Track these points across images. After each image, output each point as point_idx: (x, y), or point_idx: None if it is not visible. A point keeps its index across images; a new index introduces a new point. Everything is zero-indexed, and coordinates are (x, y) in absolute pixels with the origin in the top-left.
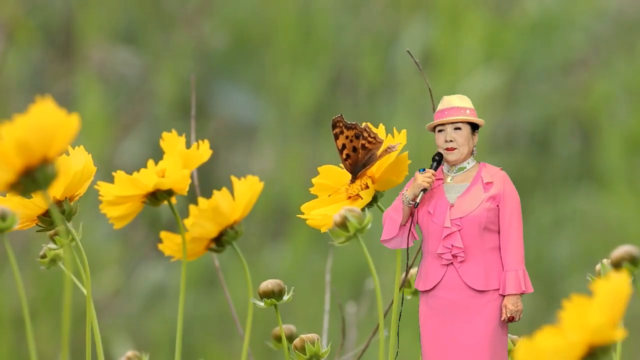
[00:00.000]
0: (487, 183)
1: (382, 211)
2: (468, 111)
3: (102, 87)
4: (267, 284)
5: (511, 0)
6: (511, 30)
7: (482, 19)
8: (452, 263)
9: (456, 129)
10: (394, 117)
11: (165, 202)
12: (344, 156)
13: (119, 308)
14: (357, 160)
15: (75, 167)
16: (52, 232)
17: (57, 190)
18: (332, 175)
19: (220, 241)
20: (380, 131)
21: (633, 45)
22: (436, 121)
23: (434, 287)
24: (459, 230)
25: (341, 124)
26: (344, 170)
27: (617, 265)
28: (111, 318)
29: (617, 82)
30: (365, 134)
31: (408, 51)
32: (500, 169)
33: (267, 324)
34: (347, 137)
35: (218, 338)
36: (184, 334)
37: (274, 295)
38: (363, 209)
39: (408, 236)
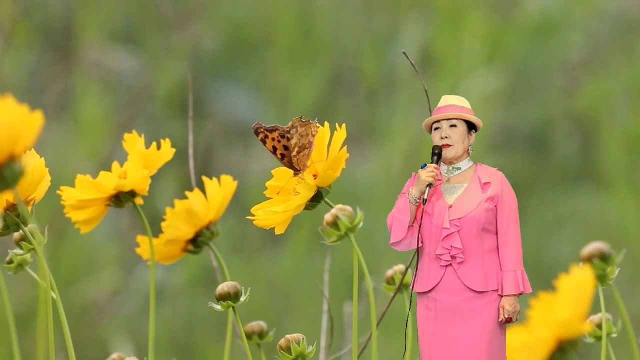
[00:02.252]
0: (485, 183)
1: (332, 207)
2: (464, 110)
3: (100, 87)
4: (223, 287)
5: (512, 1)
6: (512, 30)
7: (482, 19)
8: (450, 264)
9: (452, 126)
10: (394, 117)
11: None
12: (279, 156)
13: (119, 308)
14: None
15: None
16: (17, 236)
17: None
18: (286, 177)
19: (196, 242)
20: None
21: (633, 45)
22: (432, 117)
23: (432, 288)
24: (457, 231)
25: (262, 129)
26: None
27: (587, 261)
28: (111, 318)
29: (616, 82)
30: (293, 130)
31: (404, 52)
32: (497, 169)
33: (267, 325)
34: (273, 139)
35: (217, 338)
36: (183, 334)
37: (230, 297)
38: (311, 206)
39: (418, 236)
